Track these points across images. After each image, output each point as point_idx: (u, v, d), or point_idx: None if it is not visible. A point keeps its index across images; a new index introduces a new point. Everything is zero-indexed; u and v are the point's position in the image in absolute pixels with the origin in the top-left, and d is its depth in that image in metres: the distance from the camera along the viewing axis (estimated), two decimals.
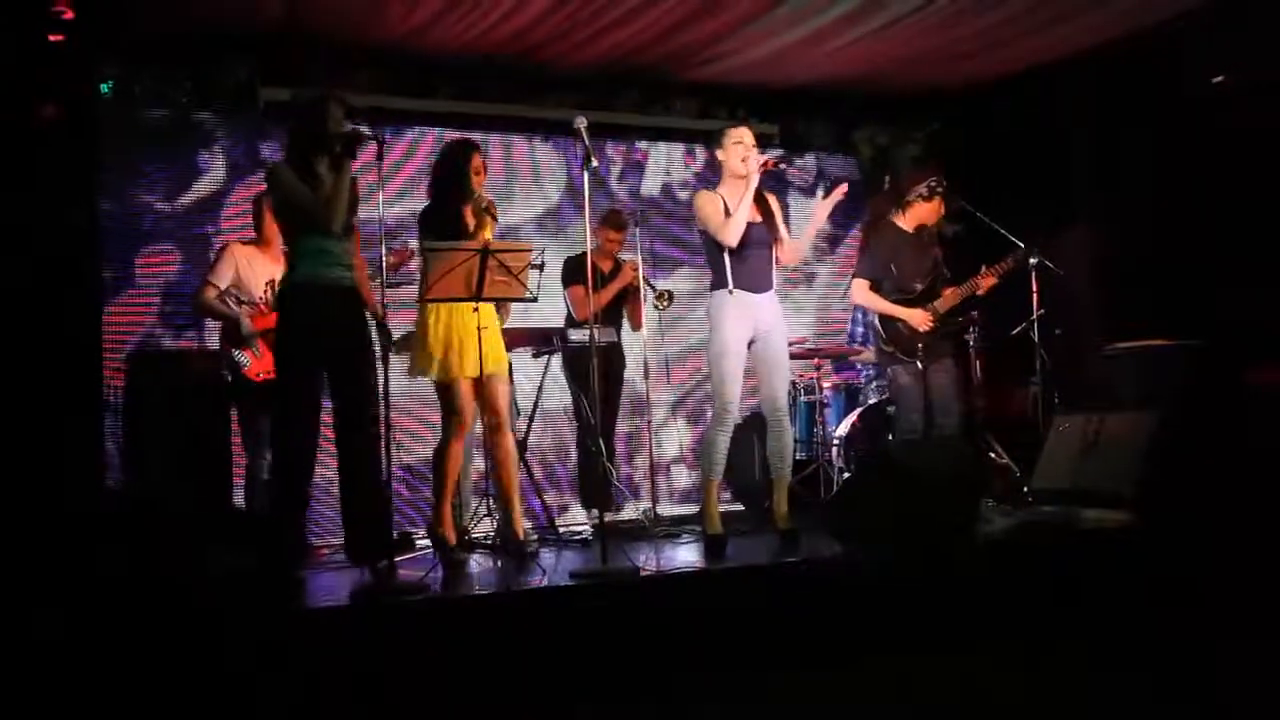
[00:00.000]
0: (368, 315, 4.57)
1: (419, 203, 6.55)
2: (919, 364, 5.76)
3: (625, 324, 6.16)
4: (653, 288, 5.94)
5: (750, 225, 4.96)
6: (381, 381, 4.36)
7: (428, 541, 5.50)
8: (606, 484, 5.57)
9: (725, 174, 5.07)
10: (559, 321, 6.09)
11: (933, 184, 5.91)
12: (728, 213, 4.95)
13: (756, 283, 4.98)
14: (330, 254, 4.39)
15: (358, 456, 4.44)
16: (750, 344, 4.98)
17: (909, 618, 4.09)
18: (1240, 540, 4.48)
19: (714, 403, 5.04)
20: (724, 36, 6.38)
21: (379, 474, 4.38)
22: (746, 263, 4.96)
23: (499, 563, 4.76)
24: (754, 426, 6.01)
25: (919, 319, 5.74)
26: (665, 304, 5.96)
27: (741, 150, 4.99)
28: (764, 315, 4.99)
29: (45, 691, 3.16)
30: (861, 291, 5.91)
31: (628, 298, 6.02)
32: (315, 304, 4.37)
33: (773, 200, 5.15)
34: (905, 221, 5.95)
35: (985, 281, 5.83)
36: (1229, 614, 4.10)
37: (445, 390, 4.79)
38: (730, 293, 4.93)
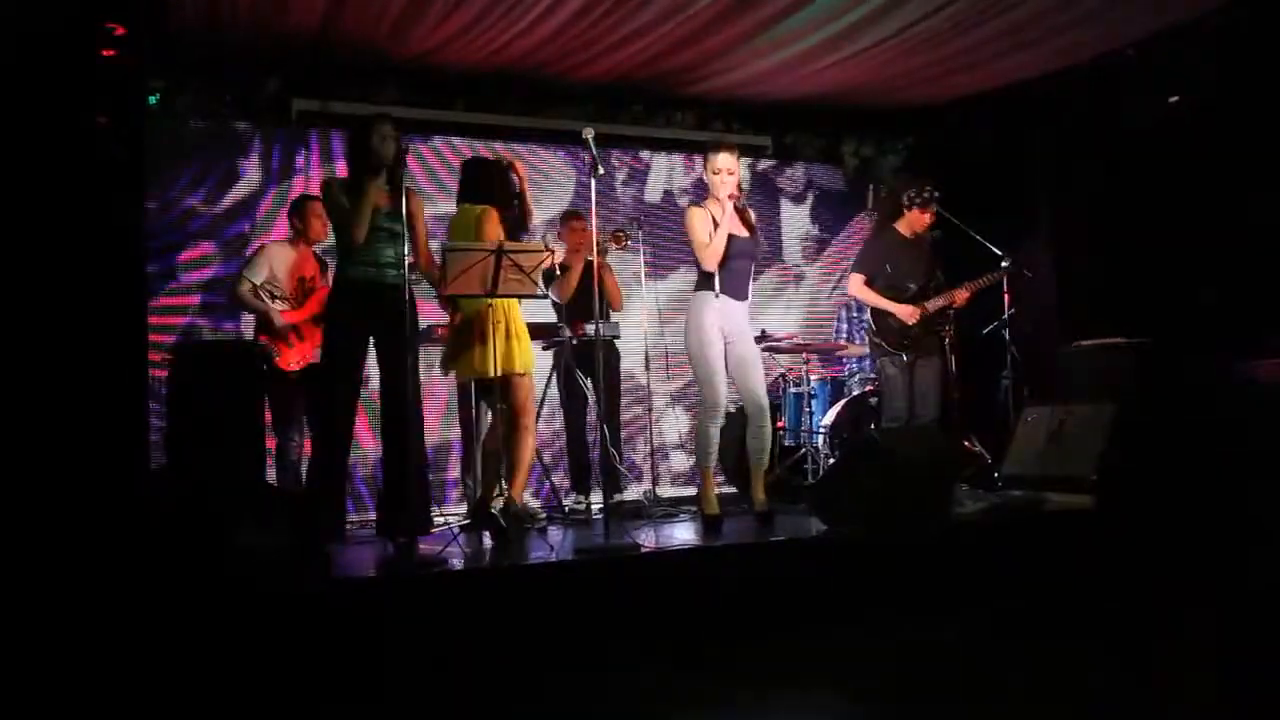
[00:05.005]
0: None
1: (438, 206, 6.62)
2: (905, 357, 5.81)
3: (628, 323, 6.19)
4: (607, 239, 5.81)
5: (734, 238, 5.00)
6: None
7: (443, 519, 5.56)
8: (612, 467, 5.61)
9: (712, 190, 5.10)
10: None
11: (912, 194, 5.94)
12: (716, 224, 4.97)
13: (737, 291, 5.03)
14: (367, 256, 4.53)
15: (393, 438, 4.53)
16: (727, 345, 5.01)
17: (887, 591, 4.14)
18: (1191, 521, 4.53)
19: (702, 397, 5.08)
20: (716, 57, 6.42)
21: (413, 457, 4.47)
22: (731, 273, 5.00)
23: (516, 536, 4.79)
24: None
25: (907, 313, 5.79)
26: (624, 242, 5.88)
27: (719, 180, 5.02)
28: (739, 321, 5.04)
29: (92, 664, 3.20)
30: (857, 284, 5.95)
31: (604, 283, 5.94)
32: (354, 299, 4.54)
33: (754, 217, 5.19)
34: (903, 227, 6.00)
35: (961, 295, 5.89)
36: (1180, 585, 4.15)
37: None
38: (716, 296, 4.97)
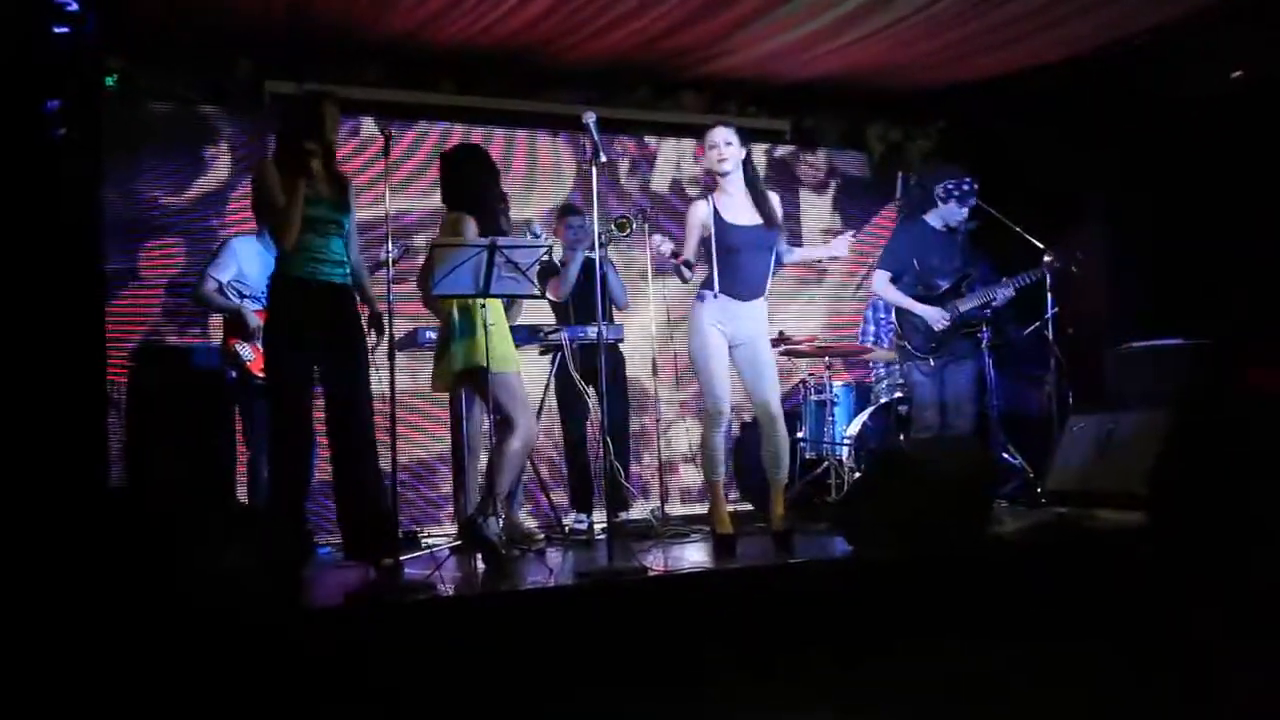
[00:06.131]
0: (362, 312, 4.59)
1: (424, 197, 6.60)
2: (931, 361, 5.76)
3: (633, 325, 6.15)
4: (608, 228, 5.75)
5: (745, 227, 4.91)
6: (387, 379, 4.38)
7: (432, 540, 5.53)
8: (616, 483, 5.57)
9: (714, 175, 5.00)
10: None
11: (950, 186, 5.88)
12: (717, 215, 4.88)
13: (743, 289, 4.90)
14: (312, 252, 4.41)
15: (349, 453, 4.44)
16: (733, 349, 4.93)
17: (916, 618, 4.08)
18: (1253, 541, 4.47)
19: (706, 404, 5.01)
20: (730, 33, 6.38)
21: (375, 470, 4.40)
22: (736, 268, 4.88)
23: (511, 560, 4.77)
24: None
25: (934, 315, 5.73)
26: (628, 230, 5.84)
27: (715, 156, 4.91)
28: (746, 323, 4.91)
29: (47, 690, 3.17)
30: (881, 282, 5.91)
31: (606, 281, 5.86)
32: (298, 301, 4.39)
33: (778, 203, 5.08)
34: (934, 219, 5.95)
35: (1001, 294, 5.83)
36: (1242, 615, 4.09)
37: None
38: (714, 296, 4.89)
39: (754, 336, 4.94)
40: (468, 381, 4.86)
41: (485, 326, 4.60)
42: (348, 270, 4.50)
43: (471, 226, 4.73)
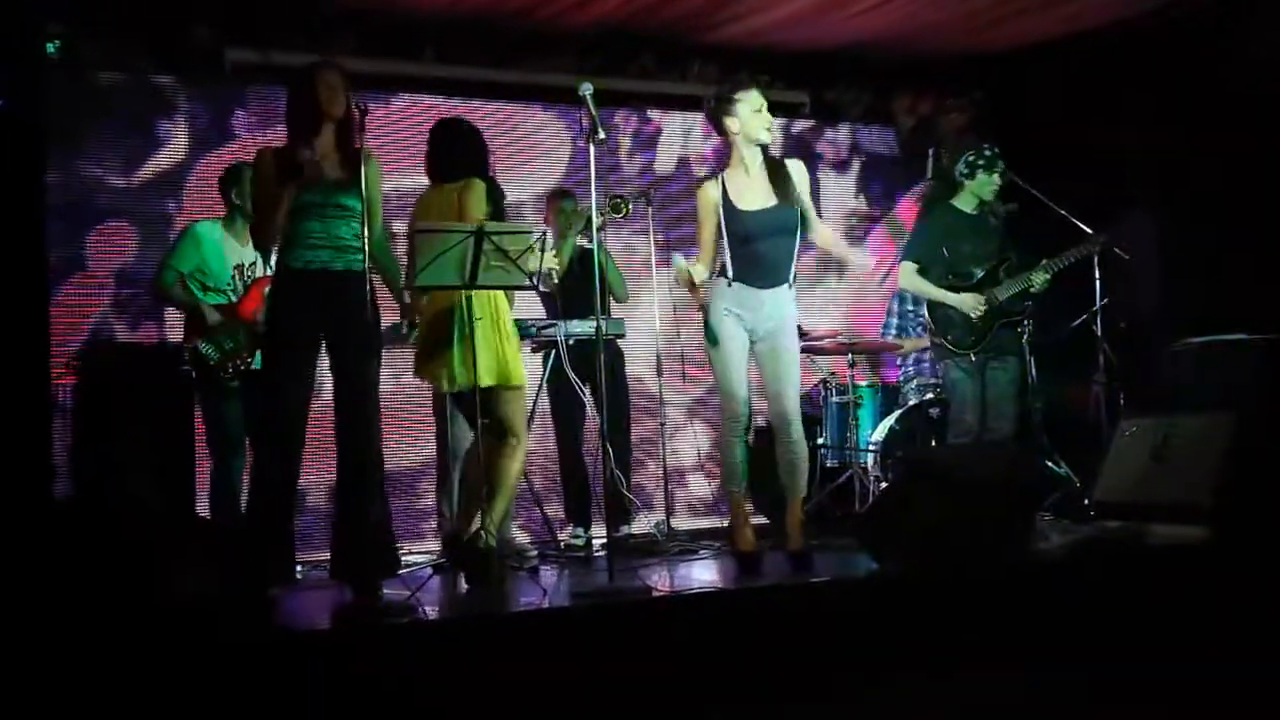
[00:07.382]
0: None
1: (403, 177, 6.59)
2: (973, 358, 5.75)
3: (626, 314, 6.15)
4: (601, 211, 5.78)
5: (760, 211, 4.88)
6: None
7: (414, 558, 5.54)
8: (617, 494, 5.57)
9: (736, 147, 4.95)
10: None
11: (971, 158, 5.89)
12: (727, 200, 4.86)
13: (762, 276, 4.87)
14: (312, 239, 4.40)
15: (345, 464, 4.47)
16: (753, 343, 4.92)
17: (951, 644, 4.08)
18: None
19: (721, 405, 5.00)
20: None
21: (371, 488, 4.43)
22: (753, 254, 4.86)
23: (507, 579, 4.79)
24: None
25: (970, 304, 5.72)
26: (624, 211, 5.86)
27: (758, 121, 4.87)
28: (768, 312, 4.89)
29: None
30: (908, 275, 5.90)
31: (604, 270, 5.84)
32: (293, 292, 4.41)
33: (800, 173, 5.02)
34: (962, 201, 5.93)
35: (1039, 277, 5.81)
36: None
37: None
38: (729, 284, 4.88)
39: (777, 329, 4.91)
40: (457, 401, 4.87)
41: (472, 323, 4.61)
42: (360, 255, 4.42)
43: (481, 195, 4.76)
